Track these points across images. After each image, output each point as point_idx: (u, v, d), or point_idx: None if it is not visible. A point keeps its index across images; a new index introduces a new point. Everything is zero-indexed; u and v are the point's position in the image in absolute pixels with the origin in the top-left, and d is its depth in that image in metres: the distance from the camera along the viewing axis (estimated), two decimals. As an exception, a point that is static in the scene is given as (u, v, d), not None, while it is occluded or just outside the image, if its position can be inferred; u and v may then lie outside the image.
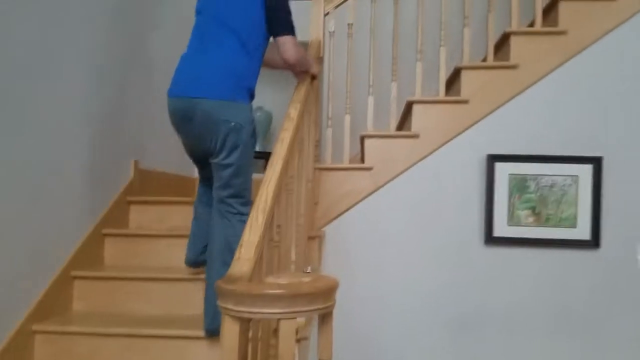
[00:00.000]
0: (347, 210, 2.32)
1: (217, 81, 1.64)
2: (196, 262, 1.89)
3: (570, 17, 2.19)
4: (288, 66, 1.83)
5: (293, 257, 1.74)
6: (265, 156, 3.57)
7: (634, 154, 2.18)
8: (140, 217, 2.41)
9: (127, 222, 2.39)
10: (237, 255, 1.15)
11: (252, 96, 1.75)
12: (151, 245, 2.18)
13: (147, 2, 2.66)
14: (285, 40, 1.72)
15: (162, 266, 2.13)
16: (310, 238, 2.14)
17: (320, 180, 2.32)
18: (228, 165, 1.66)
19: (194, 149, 1.77)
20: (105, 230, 2.18)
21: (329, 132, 2.36)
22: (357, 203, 2.31)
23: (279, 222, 1.43)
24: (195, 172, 3.03)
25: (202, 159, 1.77)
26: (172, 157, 2.89)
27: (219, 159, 1.66)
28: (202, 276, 1.83)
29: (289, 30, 1.73)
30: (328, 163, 2.35)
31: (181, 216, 2.33)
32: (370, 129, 2.34)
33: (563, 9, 2.20)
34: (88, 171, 2.11)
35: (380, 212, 2.30)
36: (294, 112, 1.73)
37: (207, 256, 1.74)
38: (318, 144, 2.38)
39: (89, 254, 2.08)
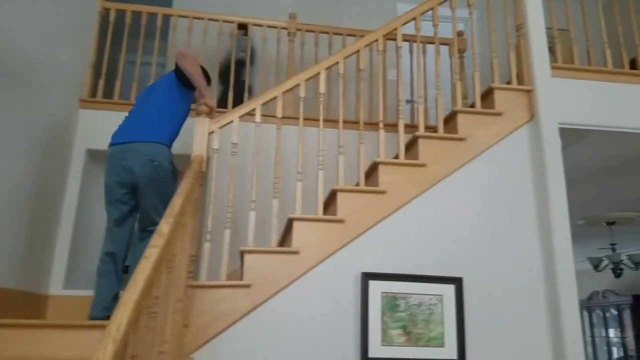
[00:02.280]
0: (222, 332, 2.17)
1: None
2: (99, 317, 2.22)
3: (428, 152, 2.51)
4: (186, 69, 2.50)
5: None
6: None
7: (488, 274, 2.41)
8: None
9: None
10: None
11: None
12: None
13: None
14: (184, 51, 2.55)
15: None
16: (177, 366, 1.95)
17: (193, 299, 2.19)
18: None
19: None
20: None
21: (206, 247, 2.31)
22: (232, 324, 2.19)
23: (134, 352, 1.29)
24: (49, 289, 2.76)
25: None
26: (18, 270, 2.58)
27: None
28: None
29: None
30: (203, 280, 2.25)
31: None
32: (250, 244, 2.34)
33: (422, 145, 2.52)
34: None
35: (257, 333, 2.20)
36: (165, 227, 1.68)
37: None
38: (194, 260, 2.30)
39: None
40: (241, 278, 2.30)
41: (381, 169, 2.46)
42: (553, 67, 2.71)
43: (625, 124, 2.72)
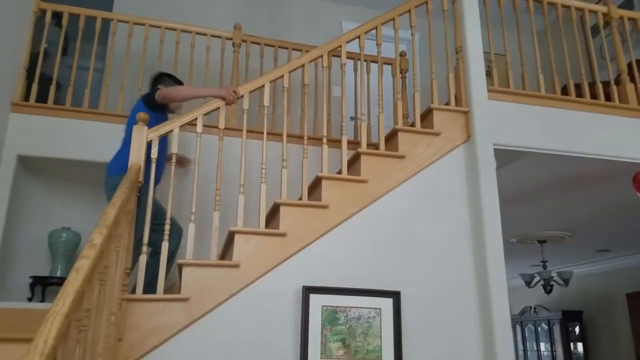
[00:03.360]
0: (157, 347, 2.09)
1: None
2: None
3: (370, 169, 2.56)
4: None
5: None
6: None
7: (425, 288, 2.47)
8: None
9: None
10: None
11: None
12: None
13: None
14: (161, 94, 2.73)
15: None
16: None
17: (127, 312, 2.10)
18: None
19: None
20: None
21: (142, 259, 2.22)
22: (168, 339, 2.12)
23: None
24: None
25: None
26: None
27: None
28: None
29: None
30: (138, 293, 2.16)
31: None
32: (189, 257, 2.28)
33: (364, 161, 2.57)
34: None
35: (194, 349, 2.13)
36: (98, 238, 1.60)
37: None
38: (128, 272, 2.20)
39: None
40: (179, 292, 2.23)
41: (324, 183, 2.48)
42: (489, 90, 2.86)
43: (556, 147, 2.90)
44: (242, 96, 2.56)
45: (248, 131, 2.63)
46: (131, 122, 2.63)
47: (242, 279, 2.27)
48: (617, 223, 4.78)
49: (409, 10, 2.90)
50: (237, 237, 2.32)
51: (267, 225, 2.52)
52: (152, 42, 3.85)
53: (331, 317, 2.30)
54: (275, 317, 2.26)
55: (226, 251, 2.60)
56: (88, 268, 1.45)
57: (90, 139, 3.29)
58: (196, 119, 2.43)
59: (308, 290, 2.29)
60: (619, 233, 5.23)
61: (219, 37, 3.73)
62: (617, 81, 3.32)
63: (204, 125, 2.49)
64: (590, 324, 7.18)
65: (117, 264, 1.94)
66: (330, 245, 2.41)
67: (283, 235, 2.36)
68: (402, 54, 3.94)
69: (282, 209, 2.39)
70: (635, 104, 3.15)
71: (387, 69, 4.22)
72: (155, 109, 2.77)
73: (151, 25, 3.62)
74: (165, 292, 2.23)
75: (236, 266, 2.27)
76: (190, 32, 3.71)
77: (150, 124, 2.38)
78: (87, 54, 3.99)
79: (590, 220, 4.66)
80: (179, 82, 3.00)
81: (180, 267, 2.26)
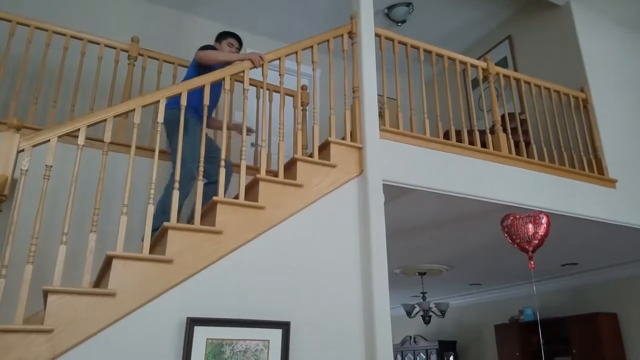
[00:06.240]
0: (9, 387, 1.81)
1: None
2: None
3: (267, 195, 2.53)
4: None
5: None
6: None
7: (313, 318, 2.46)
8: None
9: None
10: None
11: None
12: None
13: None
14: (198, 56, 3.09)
15: None
16: None
17: (-27, 347, 1.79)
18: None
19: None
20: None
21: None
22: (24, 377, 1.84)
23: None
24: None
25: None
26: None
27: None
28: None
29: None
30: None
31: None
32: (56, 283, 2.02)
33: (262, 188, 2.54)
34: None
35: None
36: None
37: None
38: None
39: None
40: (42, 322, 1.96)
41: (219, 208, 2.39)
42: (381, 130, 3.02)
43: (437, 186, 3.12)
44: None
45: (139, 148, 2.47)
46: (189, 72, 3.18)
47: (119, 309, 2.06)
48: (488, 259, 5.27)
49: (312, 47, 3.00)
50: (115, 262, 2.12)
51: (152, 250, 2.35)
52: (36, 45, 3.51)
53: (216, 350, 2.17)
54: (154, 351, 2.08)
55: (102, 278, 2.36)
56: None
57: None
58: (78, 130, 2.22)
59: (193, 322, 2.15)
60: (489, 268, 5.76)
61: (114, 47, 3.51)
62: (492, 130, 3.71)
63: (88, 138, 2.28)
64: (463, 353, 7.73)
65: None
66: (221, 273, 2.31)
67: (169, 261, 2.20)
68: (304, 88, 4.03)
69: (170, 232, 2.25)
70: (507, 152, 3.54)
71: (289, 100, 4.28)
72: (204, 68, 3.01)
73: (37, 28, 3.31)
74: (26, 322, 1.95)
75: (112, 295, 2.06)
76: (81, 39, 3.44)
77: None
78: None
79: (465, 255, 5.07)
80: (239, 41, 3.33)
81: (45, 293, 2.00)
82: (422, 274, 5.80)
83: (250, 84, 2.86)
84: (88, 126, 2.25)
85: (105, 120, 2.30)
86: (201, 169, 2.45)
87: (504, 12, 5.28)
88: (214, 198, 2.41)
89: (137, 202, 2.91)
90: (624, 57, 4.88)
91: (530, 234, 3.30)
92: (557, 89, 4.11)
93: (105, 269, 2.27)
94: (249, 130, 3.43)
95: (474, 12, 5.25)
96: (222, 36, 3.41)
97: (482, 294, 7.36)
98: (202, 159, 2.48)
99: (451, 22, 5.35)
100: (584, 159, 3.98)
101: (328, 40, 3.06)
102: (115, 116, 2.33)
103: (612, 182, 4.01)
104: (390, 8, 5.04)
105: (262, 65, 2.84)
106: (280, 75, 2.89)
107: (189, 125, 2.90)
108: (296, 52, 2.94)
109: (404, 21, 5.12)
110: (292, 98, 3.98)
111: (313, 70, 3.01)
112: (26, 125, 3.08)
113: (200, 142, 2.56)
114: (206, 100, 2.59)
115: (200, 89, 2.66)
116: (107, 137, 2.30)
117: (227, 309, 2.27)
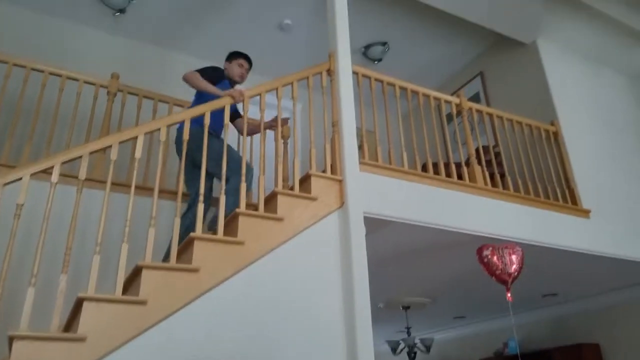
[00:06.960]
0: None
1: None
2: None
3: (247, 230, 2.48)
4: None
5: None
6: None
7: (295, 357, 2.37)
8: None
9: None
10: None
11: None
12: None
13: None
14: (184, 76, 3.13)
15: None
16: None
17: None
18: None
19: None
20: None
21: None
22: None
23: None
24: None
25: None
26: None
27: None
28: None
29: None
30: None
31: None
32: (24, 328, 1.92)
33: (242, 222, 2.50)
34: None
35: None
36: None
37: None
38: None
39: None
40: (5, 371, 1.86)
41: (196, 244, 2.33)
42: (361, 162, 3.04)
43: (416, 218, 3.13)
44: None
45: (115, 184, 2.42)
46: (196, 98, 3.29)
47: (87, 356, 1.95)
48: (469, 291, 5.25)
49: (292, 83, 3.04)
50: (86, 304, 2.02)
51: (126, 291, 2.26)
52: (14, 82, 3.47)
53: (192, 394, 2.07)
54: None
55: (73, 321, 2.25)
56: None
57: None
58: (52, 167, 2.17)
59: (168, 365, 2.06)
60: (471, 300, 5.73)
61: (93, 84, 3.50)
62: (467, 163, 3.77)
63: (63, 175, 2.23)
64: (449, 389, 7.57)
65: None
66: (197, 314, 2.22)
67: (143, 303, 2.11)
68: (285, 121, 4.05)
69: (144, 272, 2.17)
70: (482, 184, 3.60)
71: (270, 133, 4.29)
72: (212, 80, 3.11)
73: (15, 65, 3.29)
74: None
75: (81, 340, 1.96)
76: (60, 75, 3.43)
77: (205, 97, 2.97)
78: None
79: (447, 287, 5.05)
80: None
81: (10, 339, 1.90)
82: (406, 308, 5.73)
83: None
84: (63, 163, 2.21)
85: (80, 157, 2.26)
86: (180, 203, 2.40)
87: (476, 50, 5.48)
88: (191, 234, 2.36)
89: (112, 240, 2.83)
90: (590, 90, 5.08)
91: (509, 265, 3.32)
92: (528, 122, 4.23)
93: (76, 312, 2.18)
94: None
95: (447, 50, 5.43)
96: (232, 56, 3.44)
97: (466, 327, 7.29)
98: (180, 191, 2.44)
99: (425, 60, 5.52)
100: (558, 190, 4.06)
101: (308, 77, 3.11)
102: (91, 153, 2.29)
103: (585, 213, 4.08)
104: (367, 47, 5.20)
105: (243, 100, 2.85)
106: (260, 110, 2.91)
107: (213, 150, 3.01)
108: (277, 88, 2.97)
109: (380, 59, 5.29)
110: (273, 132, 4.00)
111: (293, 105, 3.03)
112: (0, 162, 3.02)
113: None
114: (186, 135, 2.59)
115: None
116: (82, 175, 2.25)
117: (204, 354, 2.17)
